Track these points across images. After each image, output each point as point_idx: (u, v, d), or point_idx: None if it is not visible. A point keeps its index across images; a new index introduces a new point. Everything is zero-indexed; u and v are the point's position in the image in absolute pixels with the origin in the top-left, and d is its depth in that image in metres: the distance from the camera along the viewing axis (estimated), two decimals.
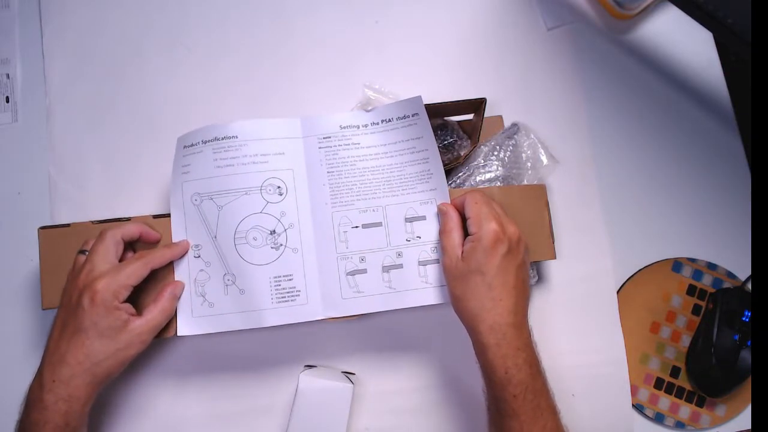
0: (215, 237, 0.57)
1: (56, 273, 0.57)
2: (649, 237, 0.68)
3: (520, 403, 0.50)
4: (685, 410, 0.65)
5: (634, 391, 0.65)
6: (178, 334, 0.56)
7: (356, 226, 0.58)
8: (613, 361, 0.65)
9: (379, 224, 0.58)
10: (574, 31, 0.71)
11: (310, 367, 0.62)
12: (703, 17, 0.57)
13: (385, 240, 0.58)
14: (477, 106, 0.61)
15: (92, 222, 0.59)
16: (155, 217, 0.59)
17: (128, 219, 0.58)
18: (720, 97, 0.70)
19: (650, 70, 0.71)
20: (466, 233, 0.55)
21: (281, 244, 0.57)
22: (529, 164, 0.66)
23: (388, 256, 0.58)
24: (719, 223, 0.68)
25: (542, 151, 0.67)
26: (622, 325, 0.65)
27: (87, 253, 0.54)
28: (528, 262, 0.56)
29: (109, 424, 0.62)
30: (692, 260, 0.67)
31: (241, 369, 0.63)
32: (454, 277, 0.53)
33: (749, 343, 0.62)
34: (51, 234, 0.58)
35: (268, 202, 0.58)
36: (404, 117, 0.58)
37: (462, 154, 0.63)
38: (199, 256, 0.57)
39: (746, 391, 0.64)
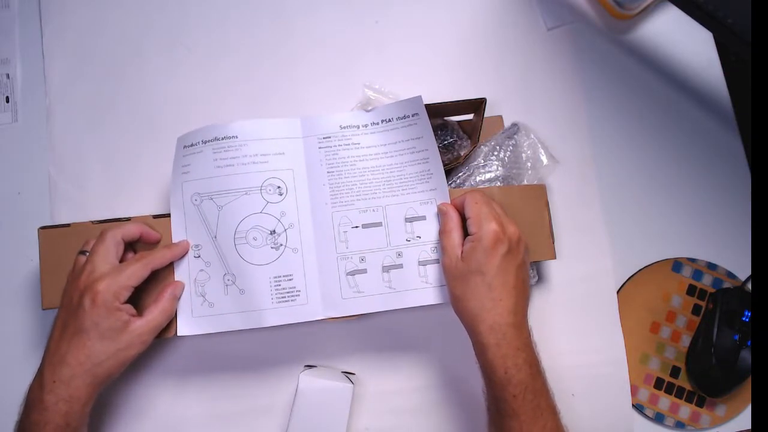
0: (215, 237, 0.57)
1: (56, 273, 0.57)
2: (649, 237, 0.68)
3: (520, 403, 0.50)
4: (685, 410, 0.65)
5: (634, 391, 0.65)
6: (178, 334, 0.56)
7: (356, 226, 0.58)
8: (613, 361, 0.65)
9: (379, 224, 0.58)
10: (574, 31, 0.71)
11: (310, 367, 0.62)
12: (703, 17, 0.57)
13: (385, 240, 0.58)
14: (477, 106, 0.61)
15: (92, 222, 0.59)
16: (155, 217, 0.59)
17: (128, 219, 0.58)
18: (720, 97, 0.70)
19: (650, 70, 0.71)
20: (465, 233, 0.55)
21: (281, 244, 0.57)
22: (529, 164, 0.66)
23: (388, 256, 0.58)
24: (719, 223, 0.68)
25: (542, 151, 0.67)
26: (622, 325, 0.65)
27: (87, 253, 0.54)
28: (528, 262, 0.56)
29: (109, 424, 0.62)
30: (692, 260, 0.67)
31: (241, 369, 0.63)
32: (454, 277, 0.53)
33: (749, 343, 0.62)
34: (51, 234, 0.58)
35: (268, 202, 0.58)
36: (404, 117, 0.58)
37: (462, 154, 0.63)
38: (199, 256, 0.57)
39: (746, 391, 0.64)
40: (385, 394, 0.63)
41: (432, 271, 0.58)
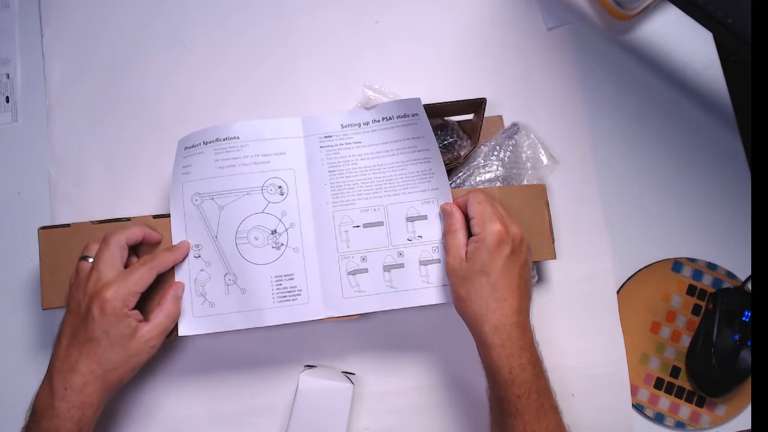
0: (216, 237, 0.57)
1: (56, 273, 0.57)
2: (649, 237, 0.68)
3: (524, 403, 0.50)
4: (685, 410, 0.65)
5: (634, 391, 0.65)
6: (179, 334, 0.56)
7: (357, 226, 0.58)
8: (613, 361, 0.65)
9: (380, 224, 0.58)
10: (574, 31, 0.71)
11: (310, 367, 0.62)
12: (703, 17, 0.57)
13: (386, 239, 0.58)
14: (477, 106, 0.61)
15: (92, 222, 0.59)
16: (155, 217, 0.59)
17: (128, 219, 0.58)
18: (720, 97, 0.70)
19: (650, 70, 0.71)
20: (468, 233, 0.55)
21: (282, 244, 0.57)
22: (529, 164, 0.66)
23: (389, 255, 0.58)
24: (719, 223, 0.68)
25: (542, 151, 0.67)
26: (622, 325, 0.65)
27: (90, 259, 0.54)
28: (530, 262, 0.56)
29: (109, 424, 0.61)
30: (692, 260, 0.67)
31: (241, 369, 0.63)
32: (459, 278, 0.53)
33: (749, 343, 0.62)
34: (51, 234, 0.58)
35: (269, 201, 0.58)
36: (404, 116, 0.58)
37: (462, 154, 0.63)
38: (199, 256, 0.57)
39: (746, 391, 0.64)
40: (385, 394, 0.63)
41: (433, 271, 0.58)
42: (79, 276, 0.54)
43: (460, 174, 0.64)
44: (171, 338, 0.57)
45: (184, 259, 0.57)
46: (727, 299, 0.64)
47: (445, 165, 0.60)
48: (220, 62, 0.70)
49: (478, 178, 0.64)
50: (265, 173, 0.58)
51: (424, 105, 0.57)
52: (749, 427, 0.65)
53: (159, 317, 0.54)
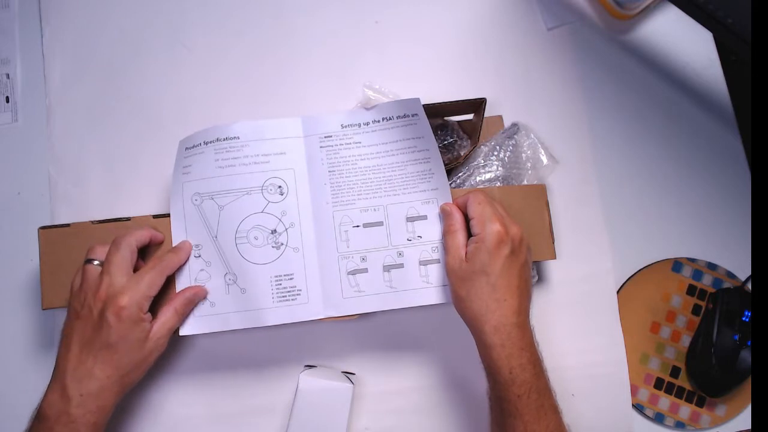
0: (216, 237, 0.57)
1: (56, 273, 0.57)
2: (649, 237, 0.68)
3: (525, 403, 0.50)
4: (685, 410, 0.65)
5: (634, 391, 0.65)
6: (180, 334, 0.56)
7: (357, 226, 0.58)
8: (613, 361, 0.65)
9: (380, 223, 0.58)
10: (574, 31, 0.71)
11: (310, 367, 0.62)
12: (703, 17, 0.57)
13: (386, 239, 0.58)
14: (477, 106, 0.61)
15: (92, 222, 0.59)
16: (155, 217, 0.59)
17: (128, 219, 0.58)
18: (720, 97, 0.70)
19: (650, 70, 0.71)
20: (468, 233, 0.55)
21: (282, 244, 0.57)
22: (529, 164, 0.66)
23: (389, 255, 0.58)
24: (719, 223, 0.68)
25: (542, 151, 0.67)
26: (622, 325, 0.65)
27: (96, 262, 0.54)
28: (530, 262, 0.56)
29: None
30: (692, 260, 0.67)
31: (241, 369, 0.63)
32: (459, 278, 0.53)
33: (749, 343, 0.62)
34: (51, 234, 0.58)
35: (269, 201, 0.58)
36: (404, 116, 0.58)
37: (462, 154, 0.63)
38: (199, 256, 0.57)
39: (746, 391, 0.64)
40: (385, 394, 0.63)
41: (433, 271, 0.58)
42: (88, 280, 0.53)
43: (460, 174, 0.64)
44: (171, 337, 0.57)
45: (187, 259, 0.57)
46: (727, 299, 0.64)
47: (445, 165, 0.60)
48: (220, 62, 0.70)
49: (478, 178, 0.64)
50: (265, 173, 0.58)
51: (424, 105, 0.57)
52: (749, 427, 0.65)
53: (167, 315, 0.54)
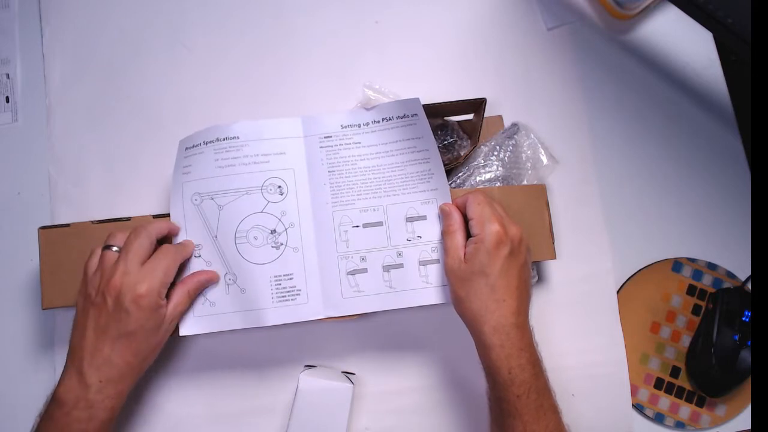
0: (216, 237, 0.57)
1: (56, 273, 0.57)
2: (649, 237, 0.68)
3: (524, 403, 0.50)
4: (685, 410, 0.65)
5: (634, 391, 0.65)
6: (180, 333, 0.56)
7: (357, 226, 0.58)
8: (613, 361, 0.65)
9: (379, 224, 0.58)
10: (574, 31, 0.71)
11: (310, 367, 0.62)
12: (703, 17, 0.57)
13: (385, 239, 0.58)
14: (477, 106, 0.61)
15: (92, 222, 0.59)
16: (155, 217, 0.59)
17: (128, 219, 0.58)
18: (720, 97, 0.70)
19: (650, 70, 0.71)
20: (467, 234, 0.55)
21: (282, 244, 0.57)
22: (529, 164, 0.66)
23: (388, 255, 0.58)
24: (719, 223, 0.68)
25: (542, 151, 0.67)
26: (622, 325, 0.65)
27: (115, 248, 0.54)
28: (530, 263, 0.56)
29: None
30: (692, 260, 0.67)
31: (241, 369, 0.63)
32: (458, 279, 0.53)
33: (749, 343, 0.62)
34: (51, 234, 0.58)
35: (268, 201, 0.58)
36: (404, 116, 0.58)
37: (462, 154, 0.63)
38: (199, 256, 0.57)
39: (746, 391, 0.64)
40: (385, 394, 0.63)
41: (433, 271, 0.58)
42: (104, 267, 0.53)
43: (460, 174, 0.64)
44: (171, 337, 0.57)
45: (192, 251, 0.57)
46: (727, 299, 0.64)
47: (445, 165, 0.60)
48: (220, 62, 0.70)
49: (478, 178, 0.64)
50: (264, 173, 0.58)
51: (423, 105, 0.57)
52: (749, 427, 0.65)
53: (180, 297, 0.54)
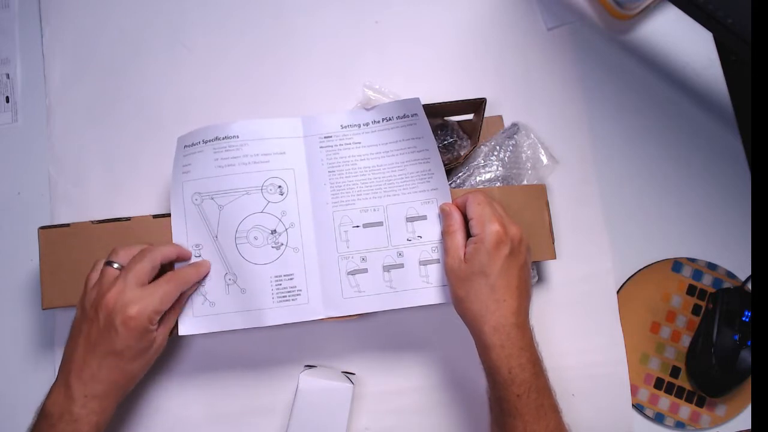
0: (216, 237, 0.57)
1: (56, 273, 0.57)
2: (649, 237, 0.68)
3: (524, 403, 0.50)
4: (685, 410, 0.65)
5: (634, 391, 0.65)
6: (180, 333, 0.56)
7: (357, 226, 0.58)
8: (613, 361, 0.65)
9: (380, 224, 0.58)
10: (574, 31, 0.71)
11: (310, 367, 0.62)
12: (703, 17, 0.57)
13: (386, 239, 0.58)
14: (477, 106, 0.61)
15: (92, 222, 0.59)
16: (155, 217, 0.59)
17: (128, 219, 0.58)
18: (720, 97, 0.70)
19: (650, 70, 0.71)
20: (467, 234, 0.55)
21: (282, 244, 0.57)
22: (529, 164, 0.66)
23: (389, 255, 0.58)
24: (719, 223, 0.68)
25: (542, 151, 0.67)
26: (622, 325, 0.65)
27: (116, 265, 0.53)
28: (530, 263, 0.56)
29: (109, 424, 0.61)
30: (692, 260, 0.67)
31: (241, 369, 0.63)
32: (458, 278, 0.54)
33: (749, 343, 0.62)
34: (51, 234, 0.58)
35: (269, 201, 0.58)
36: (404, 116, 0.58)
37: (462, 154, 0.63)
38: (199, 256, 0.57)
39: (746, 391, 0.64)
40: (385, 394, 0.63)
41: (433, 271, 0.58)
42: (102, 283, 0.53)
43: (460, 174, 0.64)
44: (171, 336, 0.57)
45: (205, 276, 0.57)
46: (727, 299, 0.64)
47: (445, 165, 0.60)
48: (220, 62, 0.70)
49: (478, 178, 0.64)
50: (264, 173, 0.58)
51: (424, 105, 0.57)
52: (749, 427, 0.65)
53: (171, 320, 0.55)
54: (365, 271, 0.58)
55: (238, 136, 0.57)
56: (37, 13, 0.70)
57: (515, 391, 0.50)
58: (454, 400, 0.63)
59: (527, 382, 0.51)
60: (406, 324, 0.64)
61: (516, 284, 0.53)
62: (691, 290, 0.67)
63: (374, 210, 0.58)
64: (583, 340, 0.65)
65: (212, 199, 0.57)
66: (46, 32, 0.70)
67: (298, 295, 0.57)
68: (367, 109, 0.59)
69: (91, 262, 0.55)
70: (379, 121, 0.59)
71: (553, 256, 0.61)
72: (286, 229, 0.58)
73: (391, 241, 0.58)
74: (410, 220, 0.58)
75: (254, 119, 0.58)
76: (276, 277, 0.57)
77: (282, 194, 0.58)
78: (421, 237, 0.58)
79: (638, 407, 0.65)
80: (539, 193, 0.61)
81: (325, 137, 0.59)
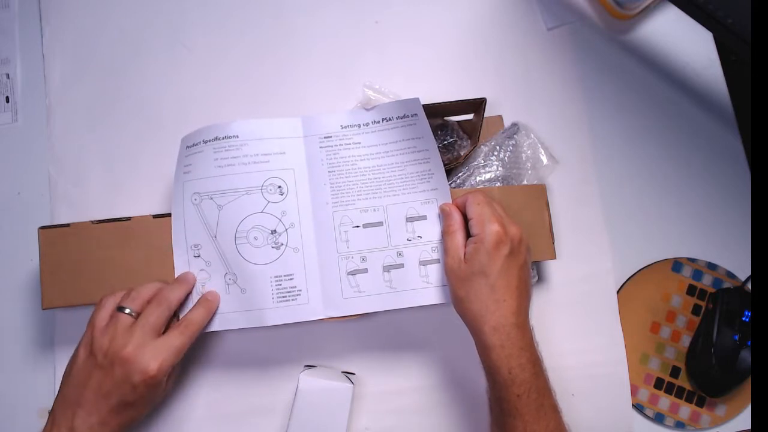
0: (215, 236, 0.57)
1: (56, 273, 0.57)
2: (649, 237, 0.68)
3: (524, 403, 0.50)
4: (685, 410, 0.65)
5: (634, 391, 0.65)
6: None
7: (357, 226, 0.58)
8: (613, 361, 0.65)
9: (380, 224, 0.58)
10: (574, 31, 0.71)
11: (310, 367, 0.62)
12: (703, 17, 0.57)
13: (386, 239, 0.58)
14: (477, 106, 0.61)
15: (92, 222, 0.59)
16: (155, 217, 0.59)
17: (128, 219, 0.58)
18: (720, 97, 0.70)
19: (650, 70, 0.71)
20: (467, 234, 0.55)
21: (282, 244, 0.57)
22: (529, 164, 0.66)
23: (388, 255, 0.58)
24: (719, 223, 0.68)
25: (542, 151, 0.67)
26: (622, 325, 0.65)
27: (128, 310, 0.53)
28: (530, 263, 0.56)
29: None
30: (692, 260, 0.67)
31: (241, 369, 0.63)
32: (458, 278, 0.53)
33: (749, 343, 0.62)
34: (51, 234, 0.58)
35: (268, 201, 0.58)
36: (404, 116, 0.58)
37: (462, 154, 0.63)
38: (199, 256, 0.57)
39: (746, 391, 0.64)
40: (385, 394, 0.63)
41: (433, 271, 0.58)
42: (117, 331, 0.52)
43: (460, 174, 0.64)
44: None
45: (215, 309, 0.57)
46: (727, 299, 0.64)
47: (445, 165, 0.60)
48: (220, 62, 0.70)
49: (478, 178, 0.64)
50: (264, 173, 0.58)
51: (423, 105, 0.57)
52: (749, 427, 0.65)
53: (177, 370, 0.57)
54: (365, 271, 0.58)
55: (238, 136, 0.57)
56: (37, 13, 0.70)
57: (515, 391, 0.50)
58: (454, 400, 0.63)
59: (527, 382, 0.51)
60: (406, 324, 0.64)
61: (516, 284, 0.53)
62: (691, 290, 0.67)
63: (374, 210, 0.58)
64: (583, 340, 0.65)
65: (211, 198, 0.57)
66: (46, 32, 0.70)
67: (298, 295, 0.57)
68: (367, 109, 0.59)
69: (92, 262, 0.55)
70: (379, 121, 0.59)
71: (553, 256, 0.61)
72: (286, 229, 0.58)
73: (391, 241, 0.58)
74: (410, 220, 0.58)
75: (254, 119, 0.58)
76: (276, 277, 0.57)
77: (282, 194, 0.58)
78: (421, 237, 0.58)
79: (638, 407, 0.65)
80: (539, 193, 0.61)
81: (325, 137, 0.59)
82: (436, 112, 0.61)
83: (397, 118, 0.58)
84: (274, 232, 0.57)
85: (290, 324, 0.57)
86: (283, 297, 0.57)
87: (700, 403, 0.65)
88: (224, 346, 0.63)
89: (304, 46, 0.70)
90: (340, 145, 0.59)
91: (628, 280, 0.67)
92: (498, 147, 0.65)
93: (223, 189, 0.57)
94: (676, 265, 0.67)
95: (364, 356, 0.64)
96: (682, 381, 0.65)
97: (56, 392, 0.53)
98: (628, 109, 0.70)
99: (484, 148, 0.65)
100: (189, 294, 0.57)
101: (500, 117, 0.68)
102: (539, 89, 0.70)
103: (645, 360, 0.66)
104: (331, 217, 0.58)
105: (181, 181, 0.58)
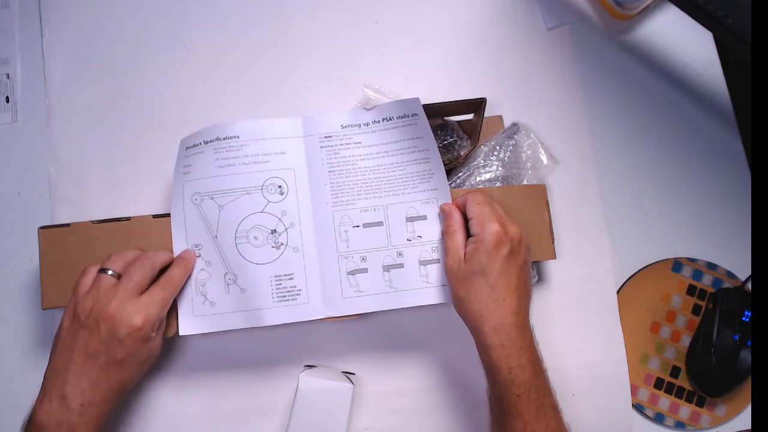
0: (216, 236, 0.57)
1: (56, 273, 0.57)
2: (649, 237, 0.68)
3: (524, 403, 0.50)
4: (685, 410, 0.65)
5: (634, 391, 0.65)
6: (180, 333, 0.56)
7: (357, 226, 0.58)
8: (613, 361, 0.65)
9: (380, 224, 0.58)
10: (574, 31, 0.71)
11: (310, 367, 0.62)
12: (703, 17, 0.57)
13: (386, 239, 0.58)
14: (477, 106, 0.61)
15: (92, 222, 0.59)
16: (155, 216, 0.59)
17: (128, 219, 0.58)
18: (720, 97, 0.70)
19: (650, 70, 0.71)
20: (467, 234, 0.55)
21: (282, 243, 0.57)
22: (529, 164, 0.66)
23: (389, 255, 0.58)
24: (719, 223, 0.68)
25: (542, 151, 0.67)
26: (622, 325, 0.65)
27: (110, 272, 0.53)
28: (530, 262, 0.56)
29: (109, 423, 0.61)
30: (692, 260, 0.67)
31: (241, 369, 0.63)
32: (457, 278, 0.54)
33: (749, 343, 0.62)
34: (51, 234, 0.58)
35: (269, 201, 0.58)
36: (404, 116, 0.58)
37: (462, 154, 0.63)
38: (199, 256, 0.57)
39: (746, 391, 0.64)
40: (385, 394, 0.63)
41: (433, 271, 0.58)
42: (100, 291, 0.52)
43: (460, 174, 0.64)
44: (169, 336, 0.57)
45: (193, 267, 0.57)
46: (727, 299, 0.64)
47: (445, 165, 0.60)
48: (220, 62, 0.70)
49: (478, 178, 0.64)
50: (264, 173, 0.58)
51: (424, 105, 0.57)
52: (749, 427, 0.65)
53: (164, 324, 0.55)
54: (365, 270, 0.58)
55: (238, 137, 0.57)
56: (37, 13, 0.70)
57: (515, 391, 0.51)
58: (454, 400, 0.63)
59: (527, 382, 0.51)
60: (405, 324, 0.64)
61: (516, 284, 0.53)
62: (691, 290, 0.67)
63: (374, 210, 0.58)
64: (583, 340, 0.65)
65: (212, 198, 0.57)
66: (46, 32, 0.70)
67: (297, 294, 0.57)
68: (367, 109, 0.59)
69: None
70: (379, 121, 0.59)
71: (553, 256, 0.61)
72: (286, 229, 0.58)
73: (391, 241, 0.58)
74: (410, 220, 0.58)
75: (254, 119, 0.58)
76: (276, 276, 0.57)
77: (282, 194, 0.58)
78: (421, 237, 0.58)
79: (638, 407, 0.65)
80: (539, 193, 0.61)
81: (325, 137, 0.59)
82: (436, 112, 0.61)
83: (398, 117, 0.58)
84: (274, 231, 0.57)
85: (290, 324, 0.57)
86: (283, 297, 0.57)
87: (700, 403, 0.65)
88: (224, 346, 0.63)
89: (304, 46, 0.70)
90: (340, 144, 0.59)
91: (628, 280, 0.67)
92: (498, 147, 0.65)
93: (224, 189, 0.57)
94: (676, 265, 0.67)
95: (363, 356, 0.64)
96: (682, 381, 0.65)
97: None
98: (628, 109, 0.70)
99: (484, 148, 0.65)
100: (186, 274, 0.56)
101: (500, 117, 0.68)
102: (539, 89, 0.70)
103: (645, 360, 0.66)
104: (331, 217, 0.58)
105: (181, 181, 0.58)
